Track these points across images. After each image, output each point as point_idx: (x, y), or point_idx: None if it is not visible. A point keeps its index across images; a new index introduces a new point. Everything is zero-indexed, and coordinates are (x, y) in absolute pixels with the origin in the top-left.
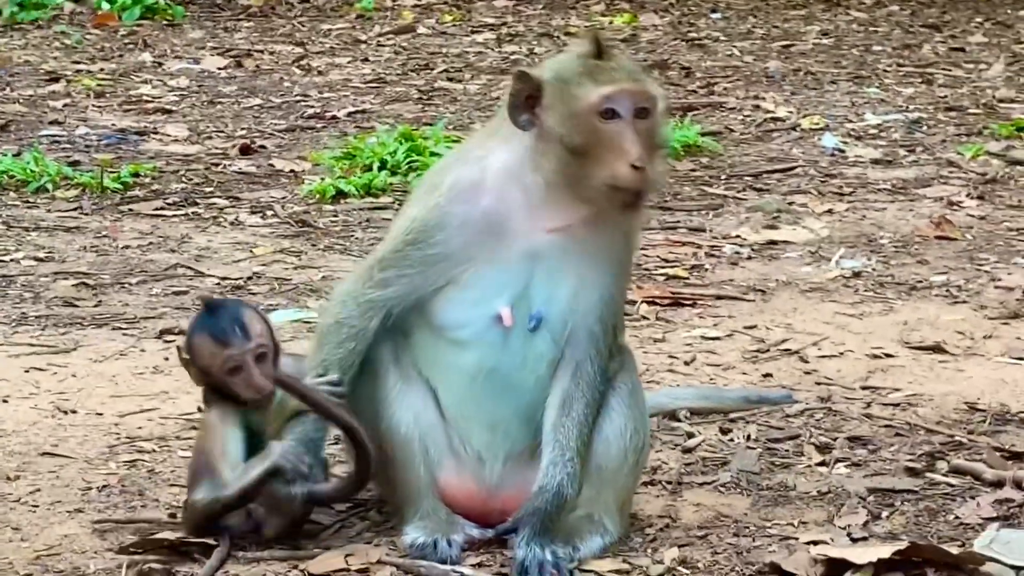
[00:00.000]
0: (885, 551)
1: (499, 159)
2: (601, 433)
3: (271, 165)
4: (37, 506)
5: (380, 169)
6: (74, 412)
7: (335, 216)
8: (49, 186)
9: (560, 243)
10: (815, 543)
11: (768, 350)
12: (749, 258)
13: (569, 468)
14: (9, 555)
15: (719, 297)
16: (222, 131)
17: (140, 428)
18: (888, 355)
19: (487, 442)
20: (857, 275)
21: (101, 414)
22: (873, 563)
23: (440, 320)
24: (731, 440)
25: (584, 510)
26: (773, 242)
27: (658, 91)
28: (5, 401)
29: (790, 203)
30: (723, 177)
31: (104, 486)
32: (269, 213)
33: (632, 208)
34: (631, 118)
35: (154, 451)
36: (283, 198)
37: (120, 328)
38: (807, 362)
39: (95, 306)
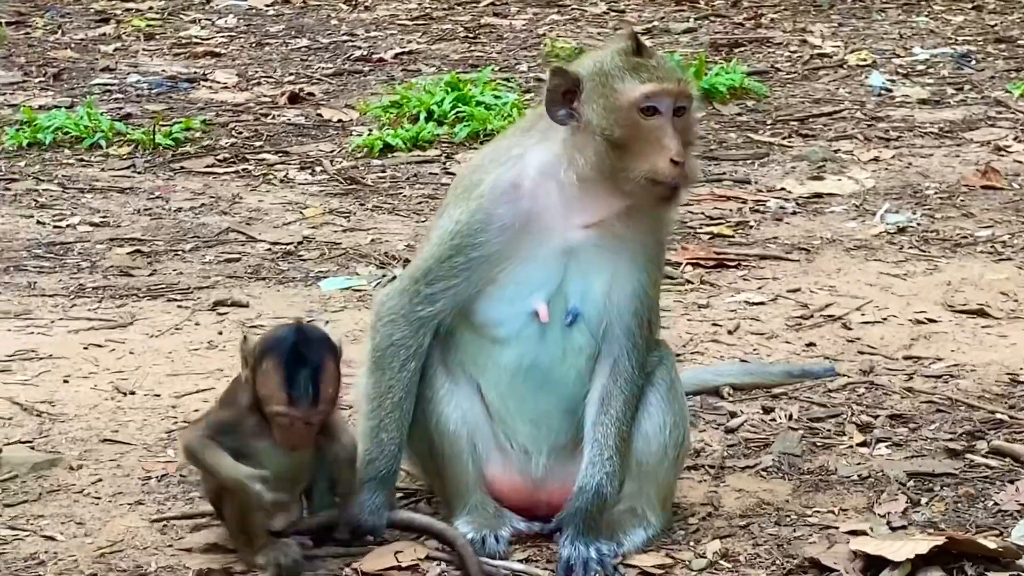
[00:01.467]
0: (923, 546)
1: (536, 157)
2: (640, 429)
3: (319, 115)
4: (99, 498)
5: (427, 120)
6: (132, 393)
7: (383, 171)
8: (103, 142)
9: (594, 239)
10: (855, 533)
11: (811, 316)
12: (794, 213)
13: (608, 467)
14: (74, 551)
15: (763, 257)
16: (270, 76)
17: (196, 411)
18: (931, 320)
19: (531, 436)
20: (902, 230)
21: (159, 395)
22: (911, 559)
23: (480, 318)
24: (773, 420)
25: (627, 504)
26: (818, 195)
27: (695, 90)
28: (66, 381)
29: (836, 150)
30: (769, 122)
31: (163, 475)
32: (318, 169)
33: (668, 202)
34: (670, 114)
35: None
36: (332, 152)
37: (175, 300)
38: (850, 329)
39: (150, 275)
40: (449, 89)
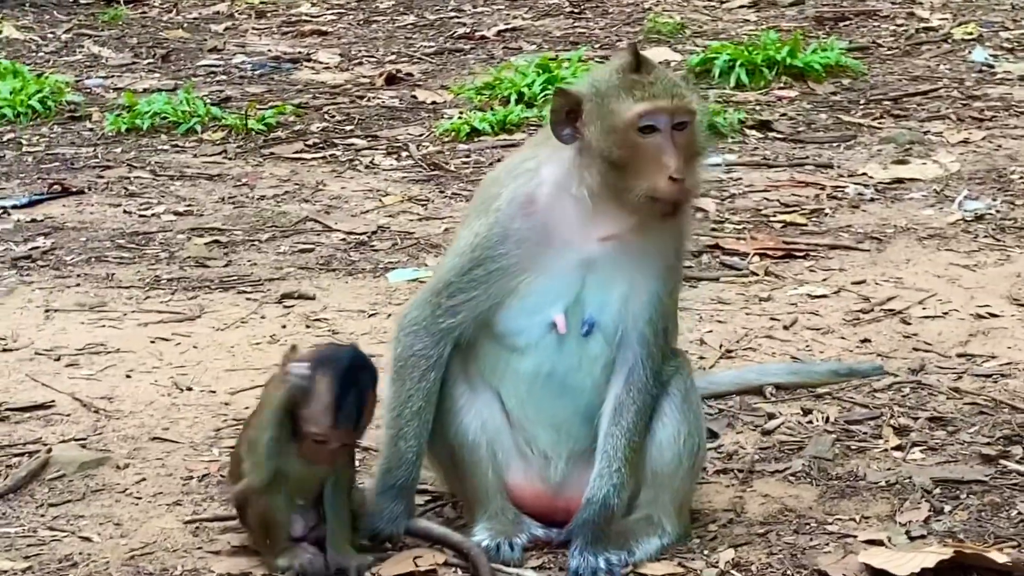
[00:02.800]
0: (931, 560)
1: (549, 171)
2: (655, 439)
3: (413, 97)
4: (140, 498)
5: (517, 102)
6: (189, 389)
7: (467, 156)
8: (198, 127)
9: (611, 251)
10: (872, 543)
11: (871, 310)
12: (872, 200)
13: (615, 479)
14: (107, 553)
15: (833, 247)
16: (372, 56)
17: (246, 409)
18: (992, 315)
19: (551, 442)
20: (979, 218)
21: (214, 391)
22: (916, 573)
23: (499, 328)
24: (810, 422)
25: (643, 512)
26: (899, 180)
27: (696, 103)
28: (128, 376)
29: (925, 132)
30: (862, 102)
31: (204, 475)
32: (404, 154)
33: (671, 217)
34: (669, 131)
35: None
36: (420, 136)
37: (244, 292)
38: (908, 324)
39: (224, 266)
40: (540, 71)
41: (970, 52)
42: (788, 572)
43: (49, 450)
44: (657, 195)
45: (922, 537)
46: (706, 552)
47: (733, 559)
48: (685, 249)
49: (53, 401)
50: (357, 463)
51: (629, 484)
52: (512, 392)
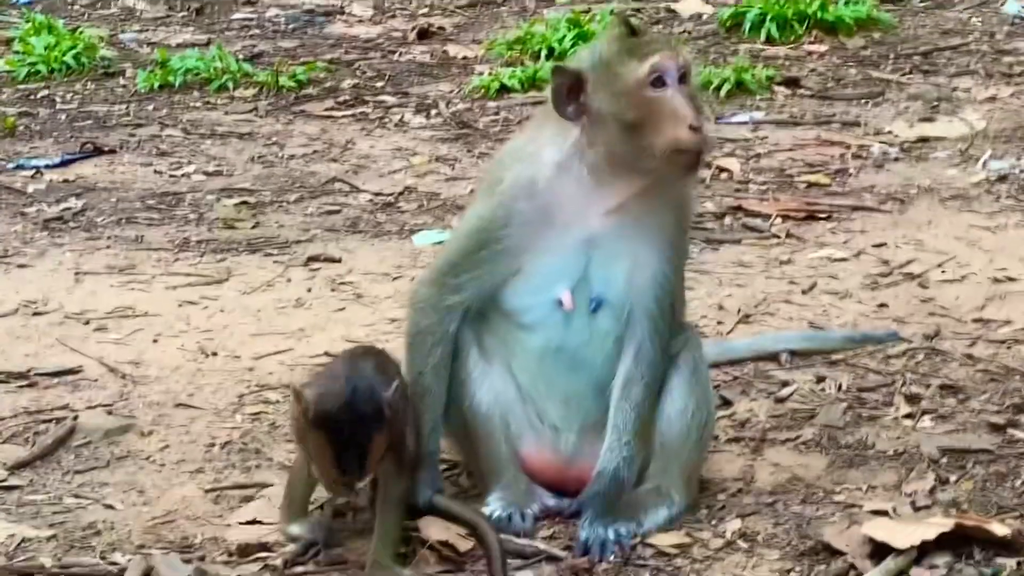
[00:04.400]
0: (932, 532)
1: (551, 153)
2: (663, 412)
3: (445, 52)
4: (163, 465)
5: (548, 58)
6: (214, 355)
7: (496, 113)
8: (230, 84)
9: (614, 226)
10: (876, 513)
11: (890, 274)
12: (896, 160)
13: (625, 452)
14: (130, 522)
15: (856, 208)
16: (405, 9)
17: (271, 374)
18: (1010, 279)
19: (562, 415)
20: (1003, 179)
21: (239, 356)
22: (916, 546)
23: (508, 306)
24: (823, 390)
25: (652, 483)
26: (924, 139)
27: (692, 56)
28: (155, 341)
29: (954, 88)
30: (891, 57)
31: (227, 442)
32: (433, 112)
33: (693, 170)
34: (677, 84)
35: (278, 401)
36: (450, 92)
37: (271, 254)
38: (926, 288)
39: (252, 227)
40: (571, 26)
41: (1003, 4)
42: (793, 542)
43: (76, 417)
44: (680, 147)
45: (926, 507)
46: (713, 522)
47: (740, 529)
48: (688, 223)
49: (81, 366)
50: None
51: (639, 456)
52: (523, 367)
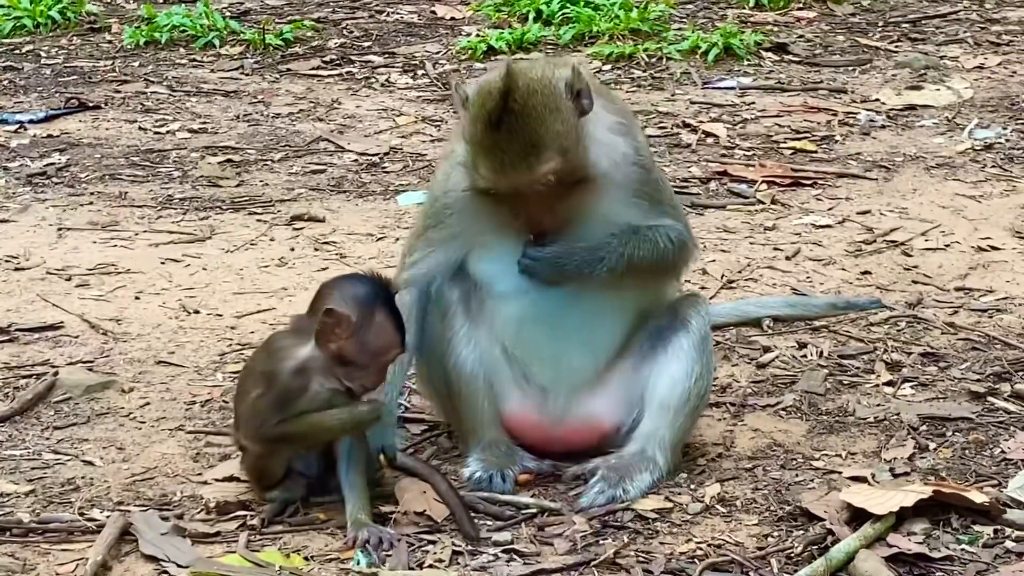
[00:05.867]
0: (909, 499)
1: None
2: (668, 370)
3: (432, 12)
4: (144, 422)
5: (535, 20)
6: (196, 312)
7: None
8: (216, 42)
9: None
10: (855, 479)
11: (874, 241)
12: (882, 127)
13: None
14: (109, 478)
15: (841, 175)
16: None
17: (252, 333)
18: (994, 247)
19: (549, 375)
20: (988, 147)
21: (221, 315)
22: (894, 512)
23: (478, 277)
24: (804, 356)
25: (638, 445)
26: (911, 107)
27: (549, 165)
28: (137, 298)
29: (942, 56)
30: (880, 24)
31: (207, 400)
32: (420, 73)
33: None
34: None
35: None
36: (436, 53)
37: (255, 213)
38: (910, 256)
39: (236, 186)
40: None
41: None
42: (772, 508)
43: (56, 373)
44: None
45: (905, 474)
46: (693, 486)
47: (719, 494)
48: (635, 163)
49: (62, 322)
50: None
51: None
52: (505, 331)
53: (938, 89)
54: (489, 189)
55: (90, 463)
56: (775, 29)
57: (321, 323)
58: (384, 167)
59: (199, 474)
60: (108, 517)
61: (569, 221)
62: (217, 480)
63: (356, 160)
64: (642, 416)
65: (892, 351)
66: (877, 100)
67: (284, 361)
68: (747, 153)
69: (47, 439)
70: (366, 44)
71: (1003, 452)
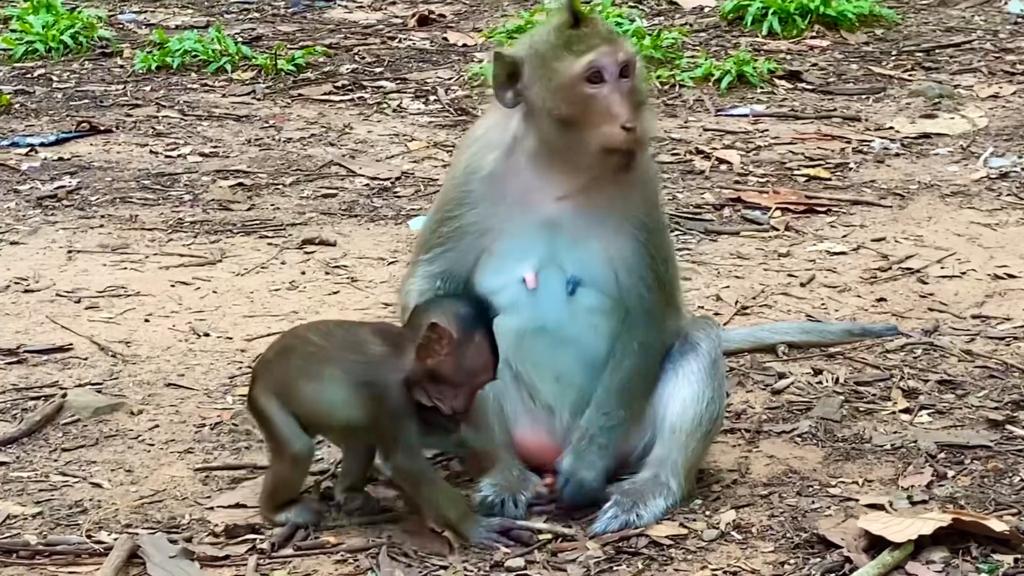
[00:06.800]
0: (928, 527)
1: (497, 138)
2: (678, 395)
3: (445, 39)
4: (152, 445)
5: None
6: (206, 335)
7: None
8: (228, 67)
9: (574, 209)
10: (873, 507)
11: (889, 268)
12: (897, 155)
13: (602, 421)
14: (117, 500)
15: (855, 203)
16: None
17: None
18: (1010, 275)
19: (554, 394)
20: (1004, 176)
21: (231, 338)
22: (913, 540)
23: (483, 287)
24: (820, 383)
25: (651, 470)
26: (926, 135)
27: (634, 49)
28: (147, 320)
29: (956, 85)
30: (893, 53)
31: (217, 423)
32: (432, 98)
33: (626, 170)
34: (615, 80)
35: None
36: (448, 79)
37: (266, 236)
38: (925, 283)
39: (247, 210)
40: None
41: (1006, 2)
42: (788, 535)
43: (64, 395)
44: (611, 146)
45: (923, 502)
46: (708, 513)
47: (734, 520)
48: (657, 200)
49: (71, 344)
50: None
51: (624, 426)
52: (510, 347)
53: (952, 118)
54: (572, 79)
55: (98, 485)
56: (788, 57)
57: (425, 337)
58: (396, 192)
59: (208, 497)
60: (116, 540)
61: (594, 217)
62: (228, 505)
63: (368, 184)
64: (654, 441)
65: (909, 378)
66: (891, 128)
67: (390, 372)
68: (761, 180)
69: (55, 461)
70: (378, 70)
71: (1022, 480)
